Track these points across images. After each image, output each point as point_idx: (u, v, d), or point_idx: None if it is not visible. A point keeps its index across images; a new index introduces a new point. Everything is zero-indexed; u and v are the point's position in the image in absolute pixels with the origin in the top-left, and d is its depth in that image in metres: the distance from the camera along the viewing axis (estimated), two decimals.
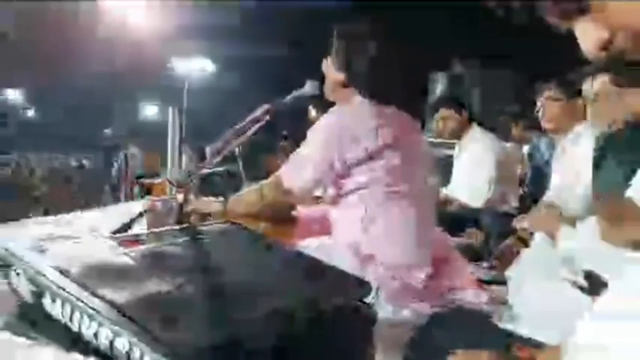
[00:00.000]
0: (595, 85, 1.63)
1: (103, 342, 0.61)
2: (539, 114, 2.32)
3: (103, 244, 0.86)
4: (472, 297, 1.45)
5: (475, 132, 3.02)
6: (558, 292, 1.31)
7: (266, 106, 1.53)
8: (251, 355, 0.64)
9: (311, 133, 1.46)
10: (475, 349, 0.81)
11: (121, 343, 0.60)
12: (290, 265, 0.95)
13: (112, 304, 0.64)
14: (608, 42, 0.52)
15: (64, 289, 0.65)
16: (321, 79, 1.55)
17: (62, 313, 0.64)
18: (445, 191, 3.02)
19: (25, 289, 0.68)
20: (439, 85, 8.60)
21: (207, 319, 0.70)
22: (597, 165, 1.54)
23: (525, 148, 4.00)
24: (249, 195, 1.60)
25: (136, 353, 0.59)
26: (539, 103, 2.32)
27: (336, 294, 0.86)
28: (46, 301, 0.66)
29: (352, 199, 1.44)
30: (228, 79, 15.68)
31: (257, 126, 1.51)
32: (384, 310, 1.29)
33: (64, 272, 0.68)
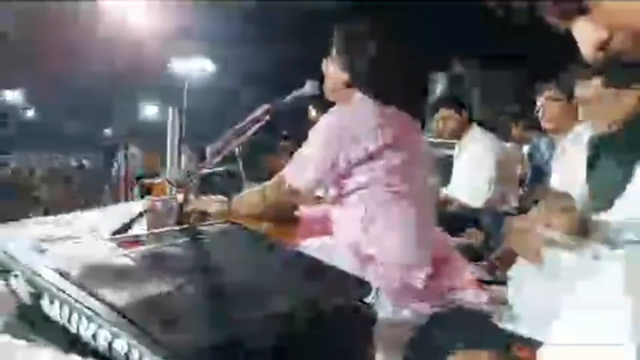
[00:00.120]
0: (588, 87, 1.63)
1: (102, 343, 0.61)
2: (539, 114, 2.32)
3: (102, 245, 0.86)
4: (472, 297, 1.45)
5: (475, 132, 3.02)
6: (558, 292, 1.30)
7: (266, 106, 1.53)
8: (251, 355, 0.64)
9: (312, 134, 1.47)
10: (475, 349, 0.81)
11: (120, 345, 0.60)
12: (290, 265, 0.95)
13: (111, 305, 0.63)
14: (606, 42, 0.52)
15: (62, 291, 0.65)
16: (321, 79, 1.55)
17: (60, 314, 0.64)
18: (445, 191, 3.02)
19: (23, 291, 0.68)
20: (439, 85, 8.62)
21: (207, 320, 0.70)
22: (591, 165, 1.54)
23: (525, 148, 3.99)
24: (251, 196, 1.60)
25: (135, 355, 0.58)
26: (539, 103, 2.33)
27: (336, 294, 0.86)
28: (44, 303, 0.66)
29: (352, 199, 1.44)
30: (228, 79, 15.69)
31: (257, 126, 1.51)
32: (384, 310, 1.29)
33: (63, 274, 0.68)
